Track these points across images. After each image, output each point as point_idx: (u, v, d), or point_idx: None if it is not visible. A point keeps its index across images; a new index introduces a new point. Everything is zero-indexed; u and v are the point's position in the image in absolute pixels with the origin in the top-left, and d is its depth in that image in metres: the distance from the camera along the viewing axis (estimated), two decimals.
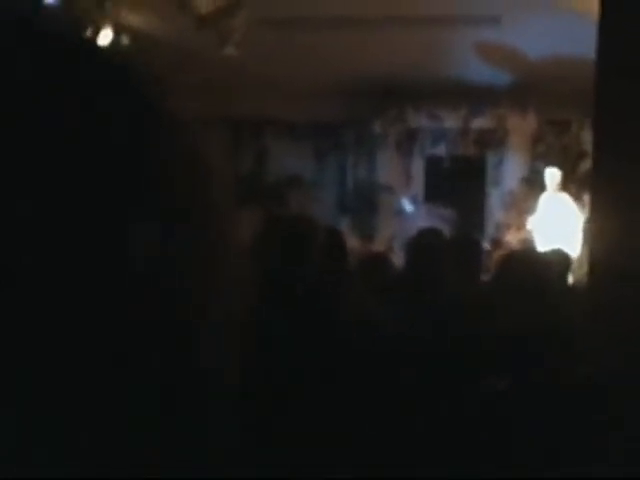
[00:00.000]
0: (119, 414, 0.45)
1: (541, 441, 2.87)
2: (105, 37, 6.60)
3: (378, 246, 9.16)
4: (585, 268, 6.88)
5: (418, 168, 10.64)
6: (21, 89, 0.44)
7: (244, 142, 10.53)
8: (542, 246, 7.96)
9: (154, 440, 0.46)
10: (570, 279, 5.41)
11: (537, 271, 3.81)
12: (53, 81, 0.45)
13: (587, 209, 9.03)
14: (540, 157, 10.18)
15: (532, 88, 9.36)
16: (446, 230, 5.82)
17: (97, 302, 0.44)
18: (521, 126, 10.22)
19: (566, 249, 5.47)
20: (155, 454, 0.46)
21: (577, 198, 9.15)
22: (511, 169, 10.35)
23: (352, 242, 6.55)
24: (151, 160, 0.48)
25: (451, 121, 10.29)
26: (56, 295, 0.43)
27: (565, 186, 9.28)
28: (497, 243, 9.36)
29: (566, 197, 9.18)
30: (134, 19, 7.51)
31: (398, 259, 5.47)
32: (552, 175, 9.27)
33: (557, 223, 8.95)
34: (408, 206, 10.14)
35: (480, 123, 10.27)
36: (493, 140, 10.35)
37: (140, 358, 0.45)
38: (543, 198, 9.33)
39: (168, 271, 0.47)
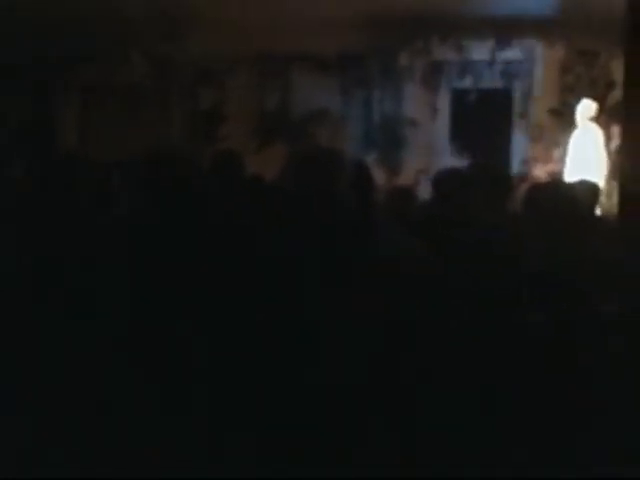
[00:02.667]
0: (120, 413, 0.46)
1: (571, 373, 2.90)
2: None
3: (405, 180, 9.14)
4: (614, 199, 6.84)
5: (444, 101, 10.56)
6: None
7: (269, 77, 10.49)
8: (571, 177, 7.90)
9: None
10: (598, 210, 5.38)
11: (564, 201, 3.81)
12: None
13: (616, 140, 8.96)
14: (568, 88, 10.06)
15: (560, 18, 9.21)
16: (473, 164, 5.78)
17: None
18: (549, 57, 10.08)
19: (595, 180, 5.42)
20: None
21: (606, 129, 9.05)
22: (538, 101, 10.23)
23: (379, 176, 6.54)
24: None
25: (478, 53, 10.18)
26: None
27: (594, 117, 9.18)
28: (524, 176, 9.30)
29: (597, 128, 9.07)
30: None
31: (425, 193, 5.46)
32: (588, 107, 9.15)
33: (586, 155, 8.87)
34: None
35: (507, 55, 10.15)
36: (520, 72, 10.24)
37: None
38: (575, 130, 9.23)
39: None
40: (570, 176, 8.35)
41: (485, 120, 10.17)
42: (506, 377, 2.87)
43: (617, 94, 9.48)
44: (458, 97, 10.49)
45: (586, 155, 8.88)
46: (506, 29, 9.67)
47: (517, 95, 10.39)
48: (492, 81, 10.35)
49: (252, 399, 2.54)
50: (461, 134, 10.30)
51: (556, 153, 9.41)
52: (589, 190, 4.91)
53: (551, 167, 9.43)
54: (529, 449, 2.76)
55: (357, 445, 2.54)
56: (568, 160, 9.08)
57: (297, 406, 2.52)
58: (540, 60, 10.11)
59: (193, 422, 2.54)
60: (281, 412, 2.53)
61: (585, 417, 2.87)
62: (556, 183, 5.36)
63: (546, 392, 2.88)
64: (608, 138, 8.97)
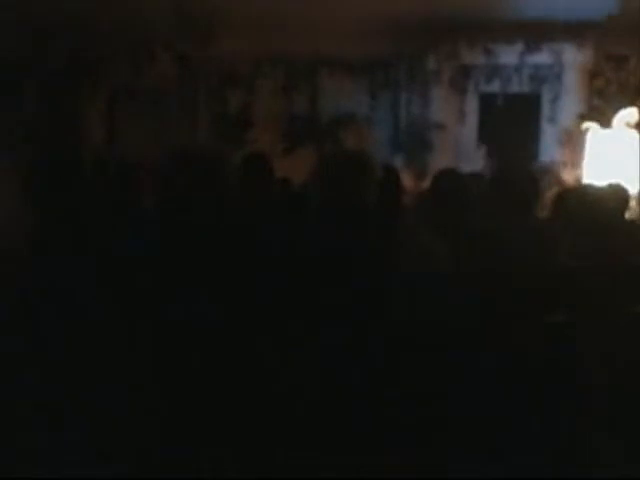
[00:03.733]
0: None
1: (599, 373, 2.89)
2: None
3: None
4: None
5: (472, 105, 10.54)
6: None
7: (298, 81, 10.51)
8: (599, 179, 7.86)
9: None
10: (628, 214, 5.34)
11: (593, 206, 3.79)
12: None
13: None
14: (597, 93, 10.01)
15: (589, 22, 9.17)
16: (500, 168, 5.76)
17: None
18: (578, 61, 10.03)
19: (627, 184, 5.37)
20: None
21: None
22: (567, 106, 10.19)
23: (406, 179, 6.55)
24: None
25: (506, 57, 10.15)
26: None
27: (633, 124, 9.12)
28: (552, 181, 9.26)
29: (634, 133, 9.01)
30: None
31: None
32: (630, 114, 9.08)
33: (619, 159, 8.82)
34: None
35: (536, 59, 10.11)
36: (549, 76, 10.19)
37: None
38: (608, 134, 9.17)
39: None
40: (600, 180, 8.30)
41: (513, 124, 10.15)
42: (515, 378, 2.87)
43: None
44: (486, 101, 10.47)
45: (620, 160, 8.82)
46: (535, 33, 9.64)
47: (546, 99, 10.36)
48: (520, 85, 10.32)
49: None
50: (489, 138, 10.27)
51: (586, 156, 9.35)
52: (619, 195, 4.88)
53: (580, 172, 9.38)
54: (529, 449, 2.76)
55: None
56: (599, 164, 9.03)
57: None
58: (569, 64, 10.06)
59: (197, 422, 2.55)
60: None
61: (593, 418, 2.87)
62: (585, 188, 5.32)
63: (558, 393, 2.87)
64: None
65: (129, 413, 2.53)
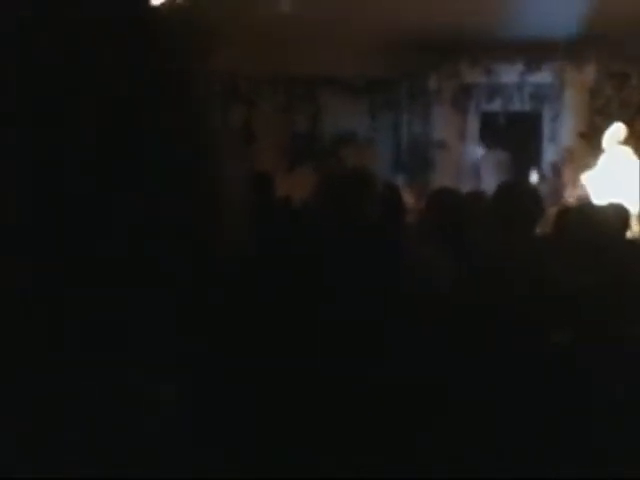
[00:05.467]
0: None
1: (603, 395, 2.89)
2: None
3: None
4: None
5: (473, 124, 10.56)
6: None
7: (299, 99, 10.54)
8: (602, 200, 7.86)
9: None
10: (628, 233, 5.34)
11: (594, 225, 3.79)
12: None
13: None
14: (598, 111, 10.03)
15: (590, 41, 9.19)
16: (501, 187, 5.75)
17: None
18: (579, 80, 10.06)
19: (627, 204, 5.38)
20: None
21: (636, 152, 9.00)
22: (568, 124, 10.20)
23: (407, 198, 6.56)
24: None
25: (507, 76, 10.18)
26: None
27: (624, 140, 9.12)
28: (554, 199, 9.25)
29: (628, 151, 9.01)
30: None
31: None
32: (617, 130, 9.09)
33: (618, 177, 8.81)
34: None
35: (537, 77, 10.14)
36: (550, 94, 10.22)
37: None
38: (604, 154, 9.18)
39: None
40: (600, 200, 8.30)
41: (514, 143, 10.16)
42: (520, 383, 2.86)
43: None
44: (487, 120, 10.49)
45: (618, 179, 8.82)
46: (535, 52, 9.67)
47: (546, 118, 10.38)
48: (521, 104, 10.35)
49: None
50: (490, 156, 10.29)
51: (585, 175, 9.36)
52: (619, 214, 4.88)
53: (581, 190, 9.39)
54: (530, 449, 2.75)
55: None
56: (598, 184, 9.03)
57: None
58: (569, 83, 10.09)
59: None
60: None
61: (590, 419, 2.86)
62: (586, 206, 5.33)
63: (557, 399, 2.87)
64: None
65: (128, 412, 2.53)
